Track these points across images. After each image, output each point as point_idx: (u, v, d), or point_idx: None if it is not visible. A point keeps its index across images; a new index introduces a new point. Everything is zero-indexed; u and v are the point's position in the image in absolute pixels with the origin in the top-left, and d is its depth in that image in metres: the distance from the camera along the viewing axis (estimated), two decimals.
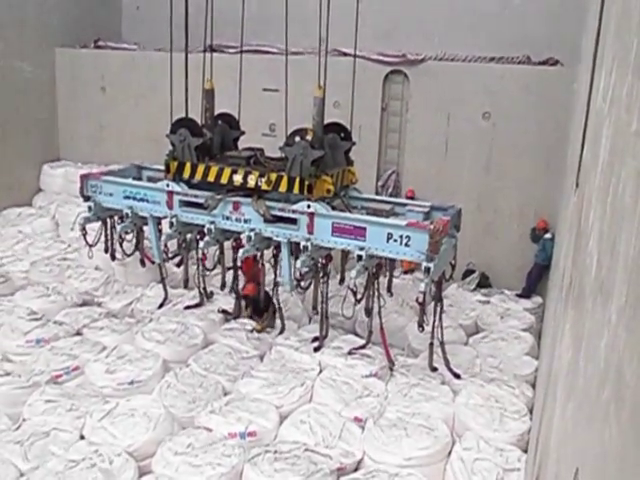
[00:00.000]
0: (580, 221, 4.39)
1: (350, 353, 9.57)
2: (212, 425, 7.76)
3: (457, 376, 9.16)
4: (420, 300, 8.80)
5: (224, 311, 10.98)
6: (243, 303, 10.97)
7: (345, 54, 12.36)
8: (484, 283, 12.80)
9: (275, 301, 10.33)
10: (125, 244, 11.05)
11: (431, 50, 13.23)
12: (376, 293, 9.48)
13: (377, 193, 13.31)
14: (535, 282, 12.31)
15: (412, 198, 12.39)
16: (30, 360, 9.07)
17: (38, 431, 7.47)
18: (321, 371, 9.25)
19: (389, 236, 8.48)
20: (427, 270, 8.17)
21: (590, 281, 3.07)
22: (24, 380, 8.50)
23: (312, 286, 9.78)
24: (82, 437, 7.55)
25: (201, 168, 9.74)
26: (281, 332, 10.36)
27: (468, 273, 12.82)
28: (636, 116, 2.25)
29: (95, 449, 7.14)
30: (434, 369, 9.27)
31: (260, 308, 10.76)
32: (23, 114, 15.70)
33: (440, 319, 9.19)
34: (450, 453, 7.67)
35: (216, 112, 10.42)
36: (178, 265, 11.34)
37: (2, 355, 9.22)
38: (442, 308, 9.26)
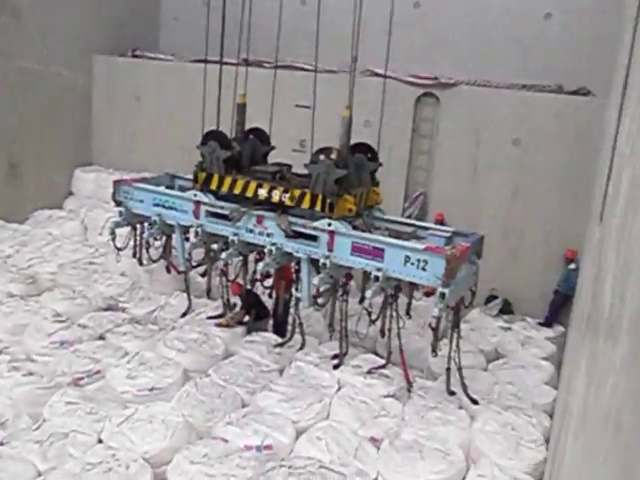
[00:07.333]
0: (600, 258, 4.41)
1: (369, 372, 9.57)
2: (229, 436, 7.83)
3: (474, 402, 9.13)
4: (433, 325, 8.85)
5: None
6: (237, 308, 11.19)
7: (377, 74, 12.42)
8: (506, 309, 12.74)
9: (296, 316, 10.36)
10: (152, 250, 11.30)
11: (463, 74, 13.27)
12: (394, 314, 9.49)
13: (403, 215, 13.34)
14: (557, 311, 12.26)
15: (442, 222, 12.42)
16: (53, 362, 9.22)
17: (58, 432, 7.59)
18: (339, 389, 9.26)
19: (406, 259, 8.52)
20: (442, 295, 8.20)
21: (603, 322, 3.11)
22: (46, 381, 8.64)
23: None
24: (100, 441, 7.65)
25: (228, 180, 9.90)
26: (301, 348, 10.36)
27: (491, 298, 12.80)
28: None
29: (112, 453, 7.25)
30: (452, 393, 9.26)
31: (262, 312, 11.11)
32: (59, 118, 16.00)
33: (457, 345, 9.17)
34: (464, 479, 7.67)
35: (248, 126, 10.57)
36: (202, 275, 11.47)
37: (26, 355, 9.36)
38: (459, 334, 9.21)
